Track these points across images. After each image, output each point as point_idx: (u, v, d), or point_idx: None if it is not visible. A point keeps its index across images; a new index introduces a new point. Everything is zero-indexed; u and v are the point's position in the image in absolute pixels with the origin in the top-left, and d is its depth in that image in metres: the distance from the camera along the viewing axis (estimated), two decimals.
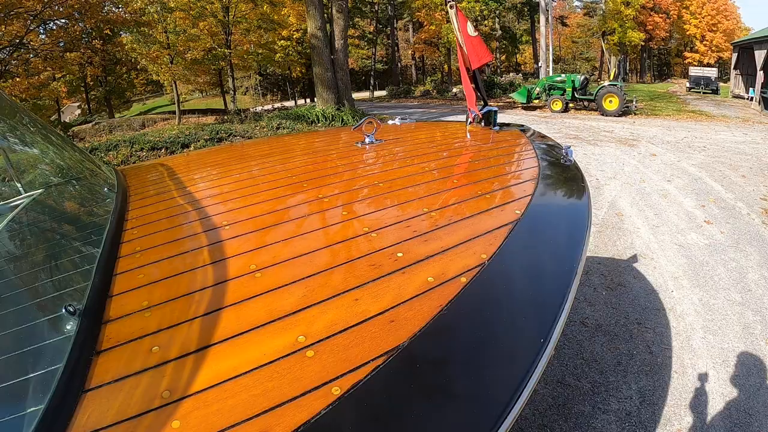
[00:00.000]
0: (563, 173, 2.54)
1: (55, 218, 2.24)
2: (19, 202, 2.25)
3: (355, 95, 27.88)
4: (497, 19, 50.16)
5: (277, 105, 37.51)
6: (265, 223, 1.80)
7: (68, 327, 1.25)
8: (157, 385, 1.04)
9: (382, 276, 1.31)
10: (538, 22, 39.69)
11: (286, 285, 1.29)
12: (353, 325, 1.11)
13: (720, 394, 3.59)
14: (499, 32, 51.00)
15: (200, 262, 1.50)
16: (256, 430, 0.98)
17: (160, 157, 15.52)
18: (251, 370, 1.01)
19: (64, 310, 1.27)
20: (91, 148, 16.10)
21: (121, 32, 31.15)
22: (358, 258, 1.43)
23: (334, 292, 1.23)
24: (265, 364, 1.02)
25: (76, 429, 1.03)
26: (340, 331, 1.09)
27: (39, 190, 2.34)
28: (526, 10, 51.69)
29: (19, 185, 2.44)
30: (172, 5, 28.44)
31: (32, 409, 1.06)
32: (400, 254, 1.44)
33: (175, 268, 1.49)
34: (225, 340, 1.10)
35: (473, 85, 3.84)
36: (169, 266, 1.51)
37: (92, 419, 1.04)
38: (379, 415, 1.02)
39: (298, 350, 1.04)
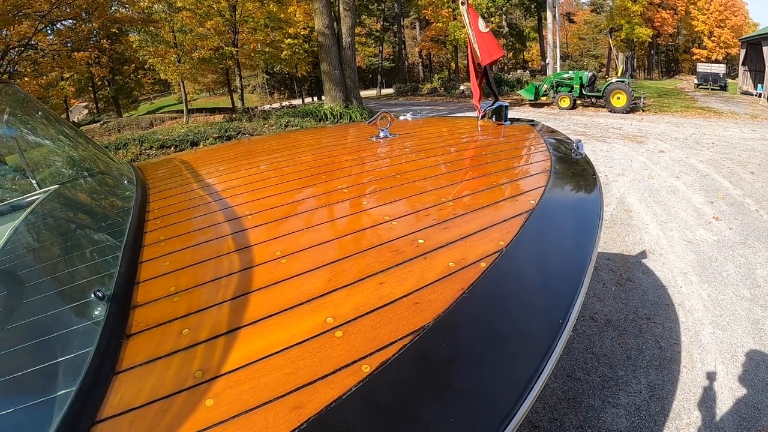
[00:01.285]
0: (575, 166, 2.57)
1: (79, 210, 2.27)
2: (42, 195, 2.29)
3: (363, 93, 27.87)
4: (504, 16, 49.98)
5: (285, 103, 37.52)
6: (288, 212, 1.83)
7: (97, 312, 1.28)
8: (189, 366, 1.07)
9: (405, 261, 1.34)
10: (545, 19, 39.59)
11: (312, 270, 1.31)
12: (379, 307, 1.14)
13: (729, 389, 3.60)
14: (506, 29, 50.84)
15: (225, 249, 1.53)
16: (289, 406, 1.01)
17: (169, 155, 15.55)
18: (282, 350, 1.04)
19: (93, 296, 1.30)
20: (101, 146, 16.10)
21: (129, 32, 31.27)
22: (381, 244, 1.46)
23: (359, 276, 1.26)
24: (296, 344, 1.05)
25: (109, 409, 1.06)
26: (367, 313, 1.12)
27: (63, 183, 2.37)
28: (533, 6, 51.46)
29: (33, 181, 2.48)
30: (179, 4, 28.45)
31: (64, 391, 1.09)
32: (421, 241, 1.47)
33: (200, 256, 1.51)
34: (254, 322, 1.13)
35: (484, 81, 3.85)
36: (194, 254, 1.54)
37: (125, 399, 1.07)
38: (409, 391, 1.05)
39: (327, 331, 1.07)
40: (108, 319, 1.24)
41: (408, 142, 3.25)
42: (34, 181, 2.47)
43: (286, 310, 1.15)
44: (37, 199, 2.21)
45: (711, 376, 3.72)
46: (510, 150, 2.94)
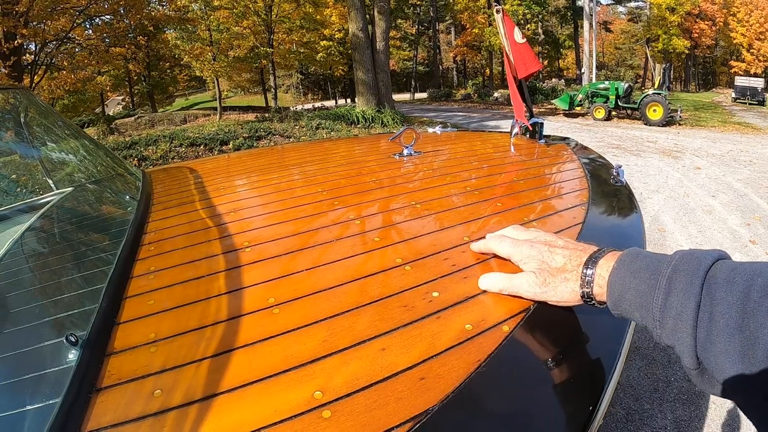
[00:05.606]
0: (615, 198, 2.36)
1: (67, 228, 2.13)
2: (57, 197, 2.17)
3: (396, 97, 27.85)
4: (540, 24, 49.82)
5: (318, 104, 37.96)
6: (289, 246, 1.64)
7: (69, 357, 1.13)
8: None
9: (414, 321, 1.13)
10: (582, 28, 39.34)
11: (307, 326, 1.13)
12: (377, 382, 0.95)
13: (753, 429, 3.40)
14: (542, 37, 50.65)
15: (215, 290, 1.36)
16: None
17: (199, 153, 15.69)
18: (260, 429, 0.87)
19: (65, 340, 1.15)
20: (131, 142, 16.45)
21: (165, 29, 31.87)
22: (389, 296, 1.25)
23: (359, 337, 1.07)
24: (276, 423, 0.87)
25: None
26: (363, 388, 0.93)
27: (54, 196, 2.25)
28: (569, 14, 51.23)
29: (51, 182, 2.37)
30: (216, 3, 28.91)
31: None
32: (435, 293, 1.26)
33: (187, 296, 1.35)
34: (234, 389, 0.96)
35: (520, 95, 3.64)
36: (182, 292, 1.37)
37: None
38: None
39: (314, 409, 0.89)
40: (79, 367, 1.09)
41: (433, 161, 3.07)
42: (51, 183, 2.37)
43: (271, 376, 0.98)
44: (43, 208, 2.10)
45: (740, 414, 3.53)
46: (544, 176, 2.71)
